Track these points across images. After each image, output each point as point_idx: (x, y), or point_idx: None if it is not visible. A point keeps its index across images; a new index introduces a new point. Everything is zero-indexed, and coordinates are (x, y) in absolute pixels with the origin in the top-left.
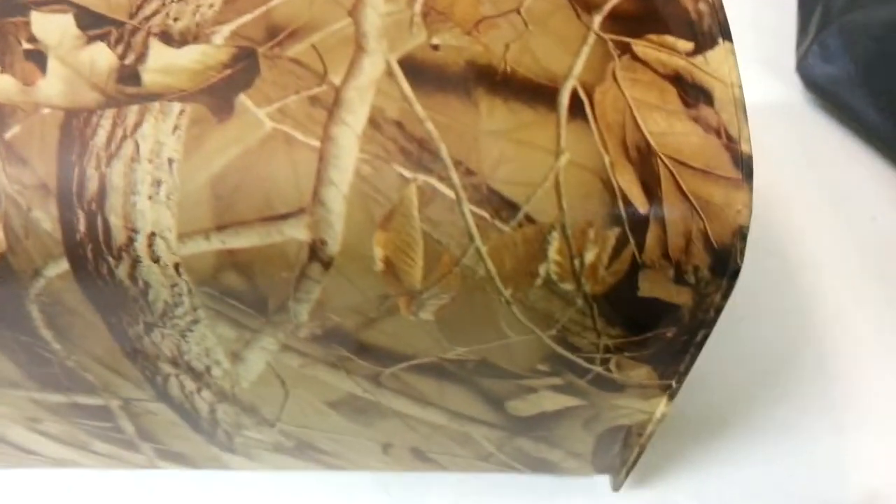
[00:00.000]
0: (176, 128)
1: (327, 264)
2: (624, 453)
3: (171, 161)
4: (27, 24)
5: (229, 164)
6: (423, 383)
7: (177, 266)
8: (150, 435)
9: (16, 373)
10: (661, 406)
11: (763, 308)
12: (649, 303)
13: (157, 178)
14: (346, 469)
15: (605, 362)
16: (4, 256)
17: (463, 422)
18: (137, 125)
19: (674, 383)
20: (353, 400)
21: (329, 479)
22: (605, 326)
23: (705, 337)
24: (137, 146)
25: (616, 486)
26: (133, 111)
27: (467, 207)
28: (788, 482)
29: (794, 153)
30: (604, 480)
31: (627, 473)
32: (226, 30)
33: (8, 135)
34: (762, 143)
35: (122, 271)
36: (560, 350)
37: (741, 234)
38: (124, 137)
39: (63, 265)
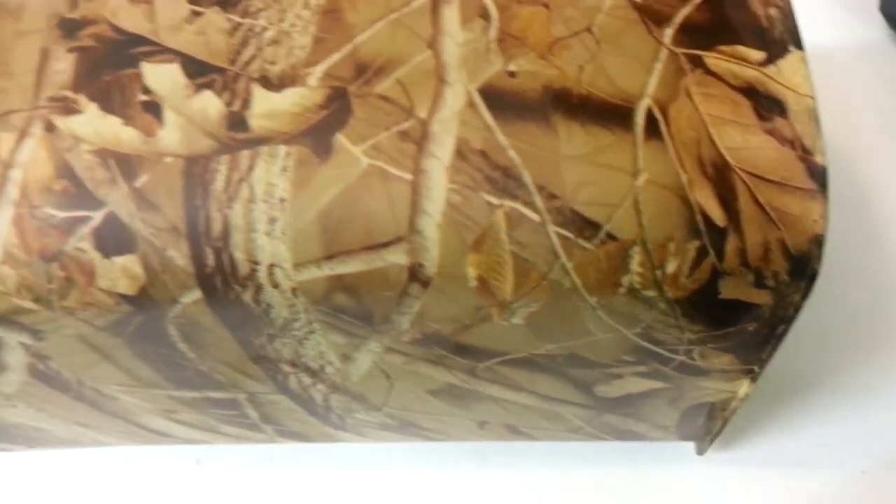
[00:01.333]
0: (284, 169)
1: (426, 284)
2: (708, 424)
3: (282, 200)
4: (139, 75)
5: (333, 200)
6: (515, 374)
7: (294, 290)
8: (271, 419)
9: (155, 377)
10: (743, 387)
11: (849, 265)
12: (730, 303)
13: (271, 217)
14: (444, 441)
15: (688, 352)
16: (145, 288)
17: (553, 403)
18: (250, 169)
19: (756, 368)
20: (450, 388)
21: (429, 449)
22: (687, 324)
23: (786, 330)
24: (252, 188)
25: (701, 451)
26: (245, 156)
27: (552, 229)
28: (874, 444)
29: (881, 98)
30: (689, 445)
31: (712, 441)
32: (318, 70)
33: (138, 183)
34: (845, 89)
35: (247, 296)
36: (644, 344)
37: (818, 241)
38: (240, 181)
39: (196, 294)
